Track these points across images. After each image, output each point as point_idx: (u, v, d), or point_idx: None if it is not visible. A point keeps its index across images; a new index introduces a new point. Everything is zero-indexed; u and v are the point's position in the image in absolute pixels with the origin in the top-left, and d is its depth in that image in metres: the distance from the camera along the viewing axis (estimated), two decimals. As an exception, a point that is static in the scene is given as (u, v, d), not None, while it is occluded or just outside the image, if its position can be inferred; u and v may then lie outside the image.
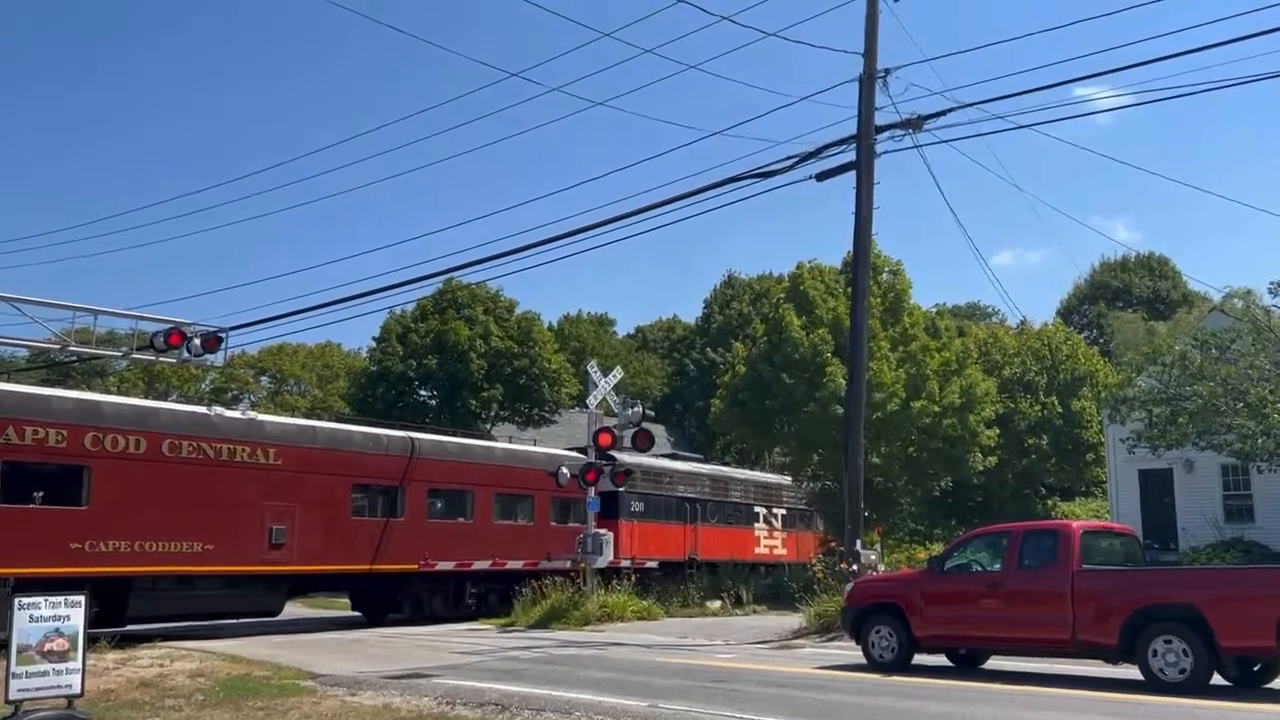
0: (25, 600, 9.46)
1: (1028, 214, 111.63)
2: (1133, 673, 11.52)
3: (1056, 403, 39.60)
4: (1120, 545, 13.43)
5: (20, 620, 9.30)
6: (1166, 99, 16.31)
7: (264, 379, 62.92)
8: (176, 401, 40.33)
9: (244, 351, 55.40)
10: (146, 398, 33.64)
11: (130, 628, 18.06)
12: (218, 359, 21.49)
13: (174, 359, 20.55)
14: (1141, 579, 12.23)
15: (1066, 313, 63.33)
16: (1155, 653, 11.10)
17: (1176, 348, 23.42)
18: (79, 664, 9.51)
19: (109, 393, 34.22)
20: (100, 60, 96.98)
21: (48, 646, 9.40)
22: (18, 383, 20.47)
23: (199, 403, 31.04)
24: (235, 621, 20.86)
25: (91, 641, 11.84)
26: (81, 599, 9.95)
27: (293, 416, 31.77)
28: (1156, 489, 27.60)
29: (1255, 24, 14.41)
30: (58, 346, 20.76)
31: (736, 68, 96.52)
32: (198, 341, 19.86)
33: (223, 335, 20.53)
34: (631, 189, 47.47)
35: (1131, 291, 62.02)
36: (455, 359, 45.98)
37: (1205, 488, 26.46)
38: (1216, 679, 11.03)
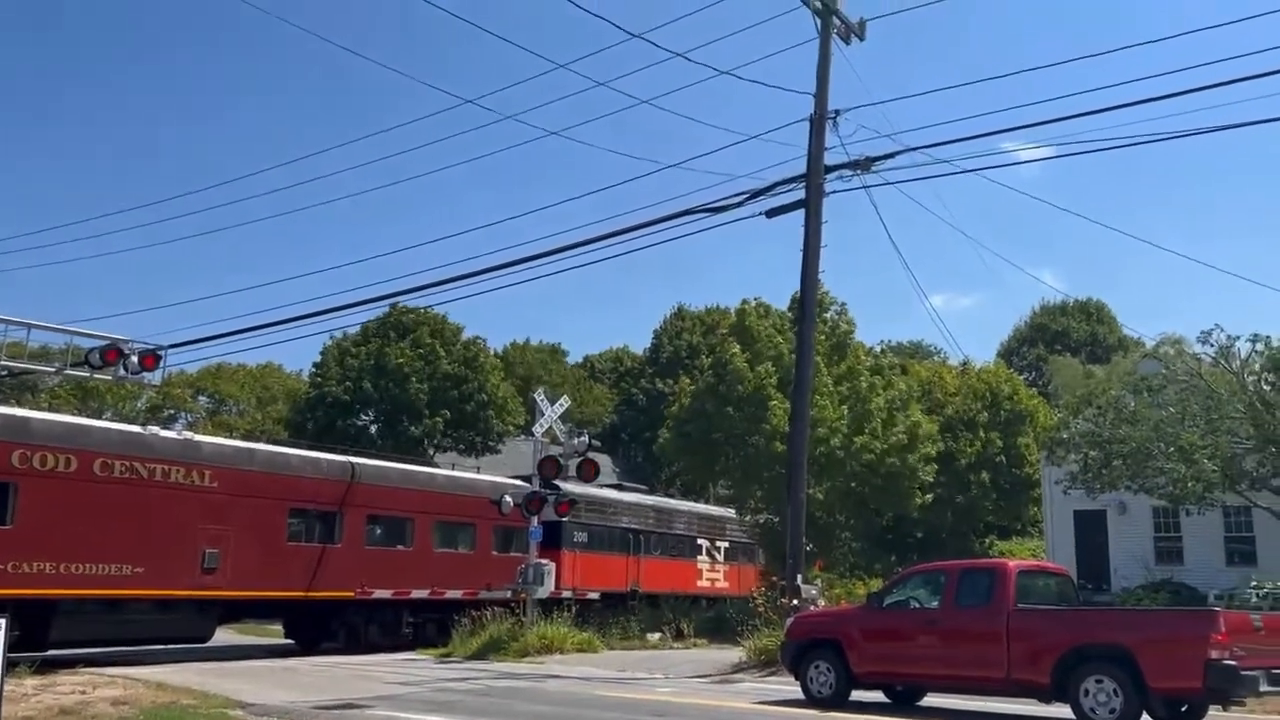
0: (-59, 623, 9.11)
1: (961, 259, 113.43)
2: (1065, 712, 11.67)
3: (999, 438, 40.28)
4: (1055, 585, 13.64)
5: (-65, 644, 8.96)
6: (1090, 151, 16.86)
7: (202, 399, 61.75)
8: (111, 420, 39.28)
9: (183, 371, 54.37)
10: (80, 415, 32.74)
11: (53, 652, 17.46)
12: (155, 377, 21.05)
13: (110, 376, 20.07)
14: (1074, 619, 12.41)
15: (1007, 354, 64.55)
16: (1086, 692, 11.24)
17: (1111, 392, 24.02)
18: (-4, 690, 9.17)
19: (40, 409, 33.28)
20: (37, 68, 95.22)
21: (-37, 672, 9.05)
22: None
23: (134, 422, 30.32)
24: (163, 647, 20.30)
25: (10, 667, 11.45)
26: (1, 622, 9.61)
27: (230, 438, 31.16)
28: (1091, 530, 28.16)
29: (1176, 84, 14.94)
30: (-13, 360, 20.17)
31: (690, 104, 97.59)
32: (135, 359, 19.44)
33: (161, 353, 20.13)
34: (583, 220, 47.68)
35: (1070, 335, 63.45)
36: (395, 384, 45.56)
37: (1137, 529, 27.05)
38: (1146, 719, 11.20)
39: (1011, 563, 13.74)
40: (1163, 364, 23.98)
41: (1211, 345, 21.71)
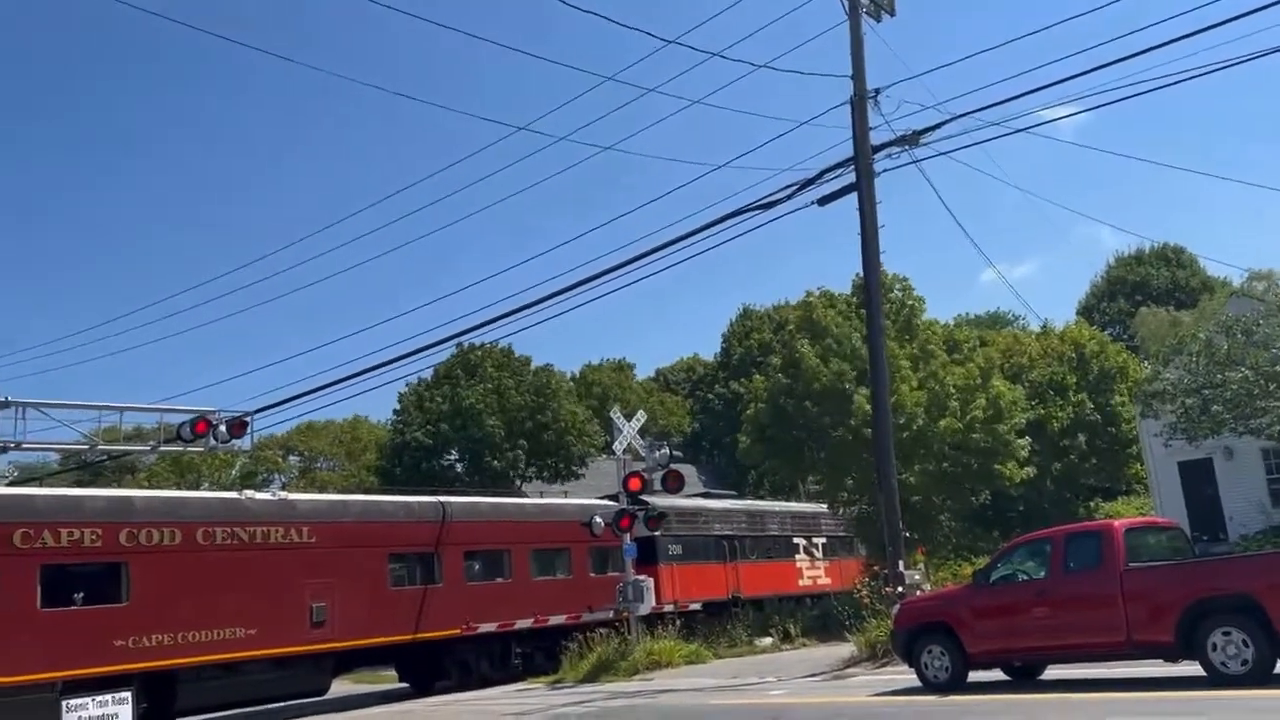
0: (73, 702, 9.49)
1: (1010, 226, 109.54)
2: (1194, 669, 11.25)
3: (1088, 400, 39.14)
4: (1167, 540, 13.20)
5: (68, 722, 9.30)
6: (1140, 94, 16.36)
7: (293, 458, 63.24)
8: (207, 490, 40.50)
9: (274, 434, 55.73)
10: (178, 489, 33.85)
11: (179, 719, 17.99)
12: (245, 443, 21.60)
13: (202, 448, 20.68)
14: (1192, 572, 11.97)
15: (1086, 311, 62.78)
16: (1215, 646, 10.84)
17: (1201, 336, 23.18)
18: (129, 761, 9.48)
19: (140, 487, 34.47)
20: (107, 162, 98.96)
21: (97, 746, 9.38)
22: (51, 486, 20.64)
23: (230, 488, 31.18)
24: (283, 704, 20.76)
25: (141, 737, 11.83)
26: (128, 695, 9.96)
27: (324, 493, 31.82)
28: (1198, 480, 27.20)
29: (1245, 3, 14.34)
30: (87, 447, 20.96)
31: (731, 103, 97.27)
32: (223, 428, 19.99)
33: (248, 419, 20.67)
34: (639, 233, 47.74)
35: (1150, 284, 61.42)
36: (471, 421, 46.09)
37: (1248, 473, 26.06)
38: (1281, 667, 10.75)
39: (1118, 522, 13.32)
40: (1254, 300, 23.09)
41: (1302, 275, 20.86)
